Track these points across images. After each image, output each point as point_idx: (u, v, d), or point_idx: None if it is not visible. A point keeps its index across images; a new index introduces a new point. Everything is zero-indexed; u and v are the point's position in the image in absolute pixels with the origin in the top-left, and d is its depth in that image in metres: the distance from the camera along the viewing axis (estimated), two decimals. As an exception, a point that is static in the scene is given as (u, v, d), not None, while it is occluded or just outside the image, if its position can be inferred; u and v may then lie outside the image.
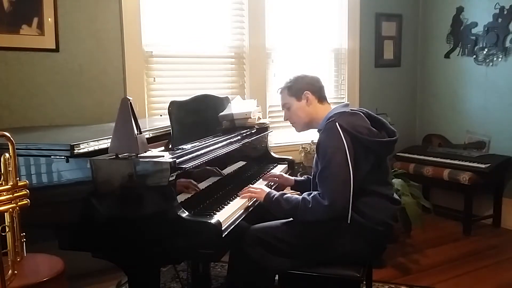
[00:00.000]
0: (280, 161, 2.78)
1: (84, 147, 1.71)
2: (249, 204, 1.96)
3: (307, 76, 2.12)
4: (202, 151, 1.86)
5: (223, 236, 1.62)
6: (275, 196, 1.94)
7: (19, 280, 1.65)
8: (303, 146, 3.50)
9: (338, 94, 4.02)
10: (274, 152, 2.87)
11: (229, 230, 1.69)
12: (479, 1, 3.91)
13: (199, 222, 1.60)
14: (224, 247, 1.77)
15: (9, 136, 1.49)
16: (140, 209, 1.64)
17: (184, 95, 2.10)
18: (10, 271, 1.54)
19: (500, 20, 3.74)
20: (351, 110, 1.98)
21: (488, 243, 3.48)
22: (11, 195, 1.48)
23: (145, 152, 1.66)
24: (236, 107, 2.47)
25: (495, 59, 3.81)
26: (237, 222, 1.79)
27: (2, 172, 1.49)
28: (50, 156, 1.73)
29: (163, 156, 1.64)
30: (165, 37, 3.16)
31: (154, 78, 3.14)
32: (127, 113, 1.62)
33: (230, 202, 1.93)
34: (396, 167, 3.88)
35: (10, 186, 1.49)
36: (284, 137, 3.72)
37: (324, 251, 1.90)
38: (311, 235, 1.89)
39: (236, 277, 1.97)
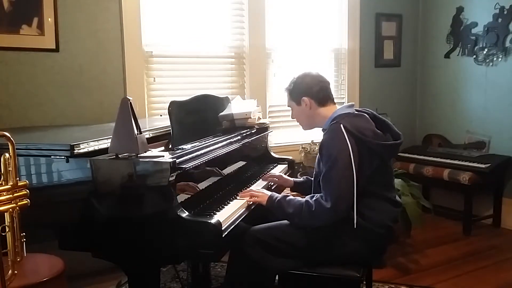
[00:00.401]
0: (280, 161, 2.77)
1: (84, 147, 1.71)
2: (249, 204, 1.96)
3: (307, 76, 2.05)
4: (202, 151, 1.86)
5: (223, 236, 1.62)
6: (278, 199, 1.93)
7: (19, 280, 1.65)
8: (303, 146, 3.50)
9: (338, 94, 4.01)
10: (274, 152, 2.87)
11: (229, 230, 1.69)
12: (479, 1, 3.91)
13: (199, 222, 1.60)
14: (224, 247, 1.77)
15: (9, 136, 1.49)
16: (140, 209, 1.64)
17: (184, 95, 2.10)
18: (10, 271, 1.54)
19: (500, 20, 3.74)
20: (356, 111, 1.97)
21: (488, 243, 3.48)
22: (11, 195, 1.48)
23: (145, 152, 1.66)
24: (236, 107, 2.47)
25: (495, 59, 3.81)
26: (237, 222, 1.79)
27: (2, 172, 1.49)
28: (50, 156, 1.73)
29: (163, 156, 1.64)
30: (165, 37, 3.16)
31: (154, 78, 3.14)
32: (127, 113, 1.62)
33: (230, 202, 1.93)
34: (396, 167, 3.87)
35: (10, 186, 1.49)
36: (284, 137, 3.72)
37: (324, 252, 1.90)
38: (311, 236, 1.89)
39: (236, 277, 1.97)
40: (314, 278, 1.89)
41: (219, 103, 2.43)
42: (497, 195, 3.79)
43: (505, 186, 3.78)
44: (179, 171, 1.64)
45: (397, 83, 4.36)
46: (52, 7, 2.70)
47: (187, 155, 1.75)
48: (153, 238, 1.64)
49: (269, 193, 2.00)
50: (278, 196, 1.95)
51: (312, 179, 2.25)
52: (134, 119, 1.62)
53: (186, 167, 1.69)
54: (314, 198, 1.86)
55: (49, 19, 2.71)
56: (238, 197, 1.99)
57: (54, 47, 2.74)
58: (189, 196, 1.82)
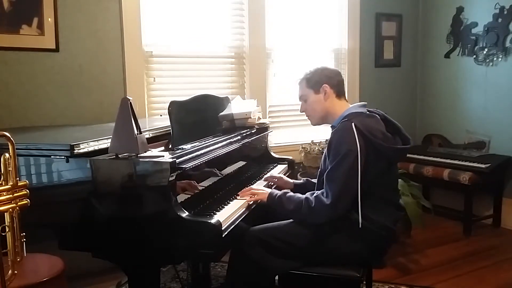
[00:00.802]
0: (280, 161, 2.77)
1: (84, 147, 1.71)
2: (250, 204, 1.96)
3: (327, 69, 2.09)
4: (202, 151, 1.86)
5: (223, 236, 1.62)
6: (278, 195, 1.94)
7: (19, 280, 1.65)
8: (303, 146, 3.50)
9: (338, 94, 4.01)
10: (274, 152, 2.87)
11: (229, 230, 1.69)
12: (479, 1, 3.91)
13: (199, 222, 1.60)
14: (224, 247, 1.77)
15: (9, 136, 1.49)
16: (140, 209, 1.64)
17: (184, 95, 2.10)
18: (10, 271, 1.54)
19: (500, 20, 3.74)
20: (368, 111, 1.96)
21: (488, 243, 3.48)
22: (11, 195, 1.48)
23: (145, 152, 1.66)
24: (236, 107, 2.47)
25: (495, 59, 3.81)
26: (237, 222, 1.79)
27: (2, 172, 1.49)
28: (50, 156, 1.73)
29: (163, 156, 1.65)
30: (165, 37, 3.16)
31: (154, 78, 3.14)
32: (127, 113, 1.62)
33: (230, 202, 1.93)
34: (396, 167, 3.88)
35: (10, 186, 1.48)
36: (284, 137, 3.72)
37: (324, 252, 1.89)
38: (312, 236, 1.89)
39: (236, 277, 1.97)
40: (314, 278, 1.89)
41: (219, 103, 2.43)
42: (497, 195, 3.79)
43: (505, 186, 3.78)
44: (179, 171, 1.64)
45: (397, 83, 4.36)
46: (52, 7, 2.70)
47: (187, 155, 1.75)
48: (153, 238, 1.64)
49: (269, 190, 2.01)
50: (278, 192, 1.96)
51: (312, 180, 2.26)
52: (134, 119, 1.62)
53: (186, 167, 1.69)
54: (314, 195, 1.86)
55: (49, 19, 2.71)
56: (238, 197, 1.99)
57: (54, 47, 2.74)
58: (189, 196, 1.82)
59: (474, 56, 3.97)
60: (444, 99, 4.28)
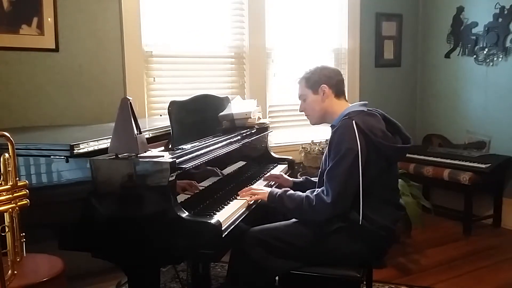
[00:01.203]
0: (280, 161, 2.77)
1: (84, 147, 1.70)
2: (250, 204, 1.96)
3: (326, 68, 2.08)
4: (202, 151, 1.86)
5: (223, 236, 1.62)
6: (278, 193, 1.94)
7: (19, 280, 1.64)
8: (303, 146, 3.50)
9: (338, 94, 4.01)
10: (274, 152, 2.87)
11: (229, 230, 1.69)
12: (479, 1, 3.91)
13: (199, 222, 1.60)
14: (224, 247, 1.77)
15: (9, 136, 1.48)
16: (140, 209, 1.64)
17: (184, 95, 2.10)
18: (10, 271, 1.53)
19: (500, 20, 3.74)
20: (368, 110, 1.96)
21: (488, 243, 3.47)
22: (10, 195, 1.47)
23: (145, 152, 1.66)
24: (236, 107, 2.46)
25: (495, 59, 3.81)
26: (237, 222, 1.79)
27: (2, 172, 1.48)
28: (50, 156, 1.73)
29: (163, 156, 1.64)
30: (165, 37, 3.16)
31: (154, 78, 3.14)
32: (127, 113, 1.62)
33: (230, 202, 1.93)
34: (396, 167, 3.88)
35: (9, 186, 1.48)
36: (284, 137, 3.72)
37: (324, 253, 1.89)
38: (312, 236, 1.89)
39: (236, 277, 1.96)
40: (314, 278, 1.89)
41: (219, 103, 2.43)
42: (497, 195, 3.79)
43: (505, 186, 3.78)
44: (179, 171, 1.64)
45: (397, 83, 4.36)
46: (52, 7, 2.70)
47: (187, 155, 1.75)
48: (153, 238, 1.63)
49: (269, 189, 2.01)
50: (278, 191, 1.95)
51: (312, 179, 2.26)
52: (134, 119, 1.62)
53: (186, 167, 1.69)
54: (315, 193, 1.86)
55: (49, 19, 2.71)
56: (238, 197, 1.99)
57: (54, 47, 2.74)
58: (189, 196, 1.82)
59: (474, 56, 3.96)
60: (444, 99, 4.27)
